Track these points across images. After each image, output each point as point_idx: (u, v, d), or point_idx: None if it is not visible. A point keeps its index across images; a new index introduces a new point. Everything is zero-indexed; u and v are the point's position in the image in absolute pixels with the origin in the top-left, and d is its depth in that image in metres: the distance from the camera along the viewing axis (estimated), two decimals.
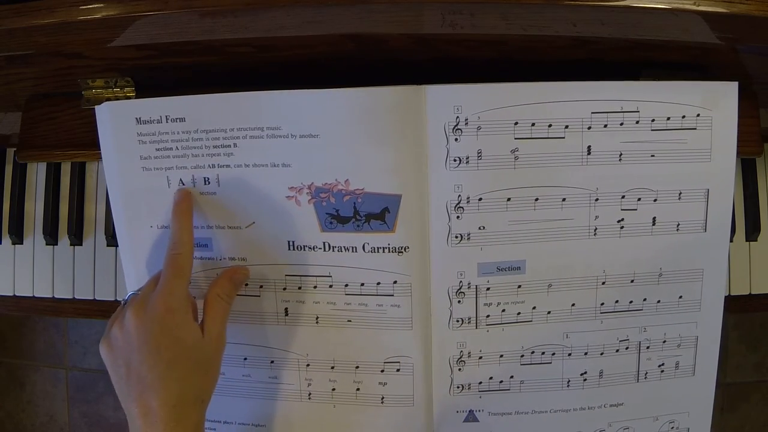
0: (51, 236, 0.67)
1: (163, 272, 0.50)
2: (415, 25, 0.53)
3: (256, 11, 0.49)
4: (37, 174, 0.68)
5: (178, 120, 0.52)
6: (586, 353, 0.56)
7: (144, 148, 0.53)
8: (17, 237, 0.67)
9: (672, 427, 0.58)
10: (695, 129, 0.53)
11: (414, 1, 0.49)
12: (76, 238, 0.66)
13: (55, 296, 0.67)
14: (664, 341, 0.56)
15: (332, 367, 0.56)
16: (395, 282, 0.53)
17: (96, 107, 0.53)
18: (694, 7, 0.47)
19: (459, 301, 0.54)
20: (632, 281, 0.55)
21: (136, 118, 0.53)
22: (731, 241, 0.63)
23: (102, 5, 0.48)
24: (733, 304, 0.64)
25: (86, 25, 0.49)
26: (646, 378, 0.57)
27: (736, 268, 0.64)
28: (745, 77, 0.57)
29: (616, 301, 0.55)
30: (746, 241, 0.64)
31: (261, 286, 0.55)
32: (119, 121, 0.53)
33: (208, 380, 0.49)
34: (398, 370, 0.55)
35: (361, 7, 0.49)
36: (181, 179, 0.54)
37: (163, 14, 0.48)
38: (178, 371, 0.46)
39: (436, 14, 0.51)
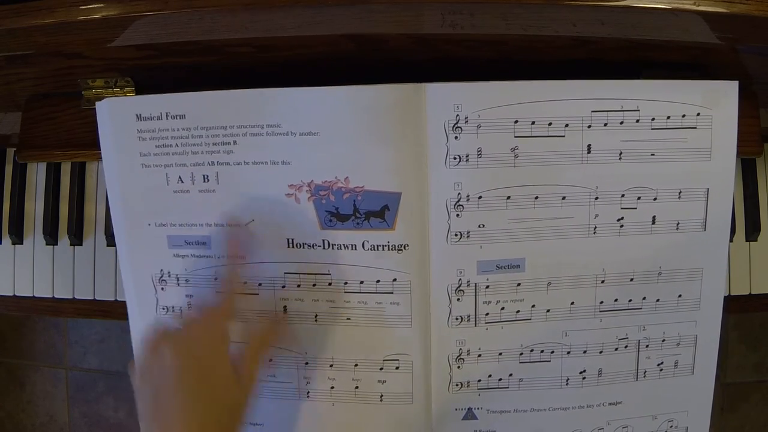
0: (51, 236, 0.67)
1: (211, 308, 0.50)
2: (415, 25, 0.53)
3: (256, 11, 0.49)
4: (37, 174, 0.68)
5: (178, 117, 0.52)
6: (585, 351, 0.56)
7: (144, 145, 0.53)
8: (17, 237, 0.67)
9: (671, 426, 0.58)
10: (695, 128, 0.53)
11: (414, 1, 0.49)
12: (76, 238, 0.66)
13: (55, 296, 0.67)
14: (664, 340, 0.56)
15: (331, 366, 0.56)
16: (395, 280, 0.53)
17: (96, 103, 0.53)
18: (694, 7, 0.47)
19: (458, 299, 0.54)
20: (632, 280, 0.55)
21: (137, 115, 0.53)
22: (731, 241, 0.63)
23: (102, 5, 0.48)
24: (733, 304, 0.64)
25: (86, 25, 0.49)
26: (645, 377, 0.57)
27: (736, 268, 0.64)
28: (745, 77, 0.57)
29: (616, 300, 0.55)
30: (746, 241, 0.64)
31: (260, 284, 0.55)
32: (119, 117, 0.53)
33: (237, 423, 0.48)
34: (397, 368, 0.55)
35: (361, 8, 0.49)
36: (180, 177, 0.54)
37: (163, 14, 0.48)
38: (209, 414, 0.46)
39: (436, 14, 0.51)
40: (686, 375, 0.57)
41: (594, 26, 0.52)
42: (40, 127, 0.63)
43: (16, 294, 0.68)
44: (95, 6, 0.49)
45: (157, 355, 0.47)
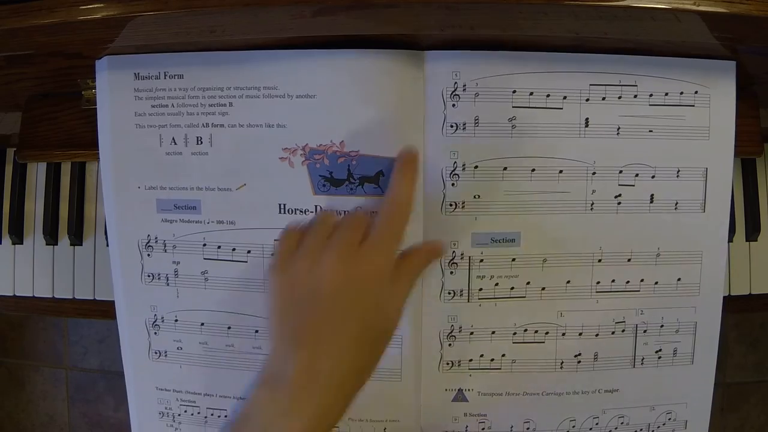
0: (51, 236, 0.66)
1: (380, 226, 0.44)
2: (414, 26, 0.52)
3: (257, 11, 0.49)
4: (37, 174, 0.68)
5: (176, 77, 0.52)
6: (580, 334, 0.54)
7: (140, 105, 0.53)
8: (17, 237, 0.67)
9: (669, 419, 0.56)
10: (693, 106, 0.52)
11: (413, 2, 0.48)
12: (76, 238, 0.66)
13: (55, 296, 0.66)
14: (662, 325, 0.55)
15: None
16: None
17: (96, 61, 0.53)
18: (694, 7, 0.47)
19: (451, 272, 0.53)
20: (629, 260, 0.54)
21: (135, 74, 0.53)
22: (731, 241, 0.62)
23: (102, 5, 0.47)
24: (733, 304, 0.62)
25: (86, 25, 0.48)
26: (642, 364, 0.55)
27: (736, 268, 0.63)
28: (745, 77, 0.56)
29: (613, 281, 0.54)
30: (746, 241, 0.63)
31: (249, 252, 0.54)
32: (118, 75, 0.53)
33: (379, 356, 0.44)
34: None
35: (360, 10, 0.49)
36: (173, 138, 0.53)
37: (163, 14, 0.47)
38: (362, 344, 0.42)
39: (436, 17, 0.51)
40: (685, 364, 0.56)
41: (593, 26, 0.51)
42: (40, 127, 0.62)
43: (16, 294, 0.67)
44: (95, 6, 0.48)
45: (314, 258, 0.42)
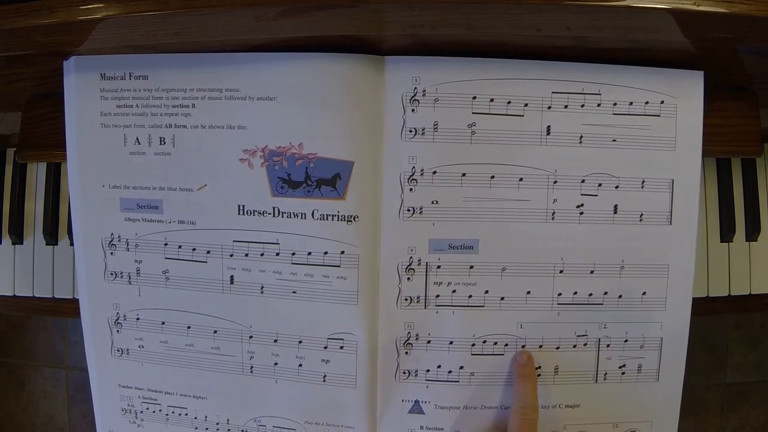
0: (51, 236, 0.66)
1: None
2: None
3: (257, 11, 0.50)
4: (37, 174, 0.68)
5: (141, 77, 0.53)
6: (540, 346, 0.53)
7: (105, 105, 0.54)
8: (17, 237, 0.67)
9: None
10: (659, 116, 0.51)
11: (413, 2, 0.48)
12: None
13: (55, 296, 0.66)
14: (626, 340, 0.53)
15: (275, 341, 0.54)
16: (342, 252, 0.51)
17: (64, 61, 0.54)
18: (694, 8, 0.46)
19: (408, 278, 0.52)
20: (592, 272, 0.52)
21: (101, 74, 0.53)
22: (731, 241, 0.61)
23: (102, 5, 0.48)
24: (733, 304, 0.62)
25: (86, 25, 0.49)
26: (605, 379, 0.54)
27: (736, 268, 0.62)
28: (745, 77, 0.55)
29: (575, 293, 0.53)
30: (746, 241, 0.62)
31: (208, 252, 0.54)
32: (84, 75, 0.54)
33: None
34: (342, 347, 0.53)
35: (361, 8, 0.49)
36: (137, 138, 0.54)
37: (163, 14, 0.47)
38: None
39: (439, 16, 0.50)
40: (651, 381, 0.54)
41: (592, 26, 0.51)
42: (40, 127, 0.63)
43: (16, 294, 0.67)
44: (95, 6, 0.48)
45: None
